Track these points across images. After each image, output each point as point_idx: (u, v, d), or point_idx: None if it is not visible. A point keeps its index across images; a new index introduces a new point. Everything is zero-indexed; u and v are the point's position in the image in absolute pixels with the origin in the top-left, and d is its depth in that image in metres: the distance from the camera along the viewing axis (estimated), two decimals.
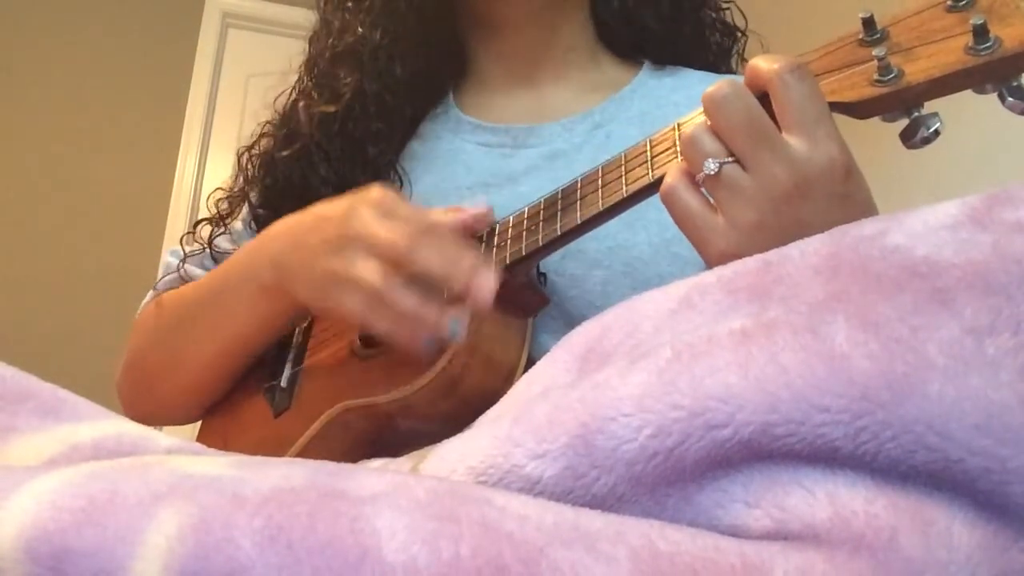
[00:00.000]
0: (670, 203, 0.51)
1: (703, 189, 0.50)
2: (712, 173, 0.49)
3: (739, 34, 0.91)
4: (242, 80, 3.26)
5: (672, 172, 0.52)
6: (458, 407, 0.61)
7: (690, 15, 0.89)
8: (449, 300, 0.58)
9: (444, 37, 0.87)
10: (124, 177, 3.13)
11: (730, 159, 0.49)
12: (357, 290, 0.60)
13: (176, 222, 3.11)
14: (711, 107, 0.50)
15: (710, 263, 0.51)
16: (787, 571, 0.30)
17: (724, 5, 0.91)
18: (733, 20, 0.92)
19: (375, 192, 0.63)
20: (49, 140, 3.11)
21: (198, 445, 0.46)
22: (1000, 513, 0.30)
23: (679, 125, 0.55)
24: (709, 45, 0.90)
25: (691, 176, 0.51)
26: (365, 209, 0.62)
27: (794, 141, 0.48)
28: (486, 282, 0.57)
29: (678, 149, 0.53)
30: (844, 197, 0.48)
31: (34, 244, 3.03)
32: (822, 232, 0.43)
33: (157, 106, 3.22)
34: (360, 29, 0.83)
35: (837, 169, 0.48)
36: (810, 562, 0.30)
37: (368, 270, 0.59)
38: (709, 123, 0.50)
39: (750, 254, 0.45)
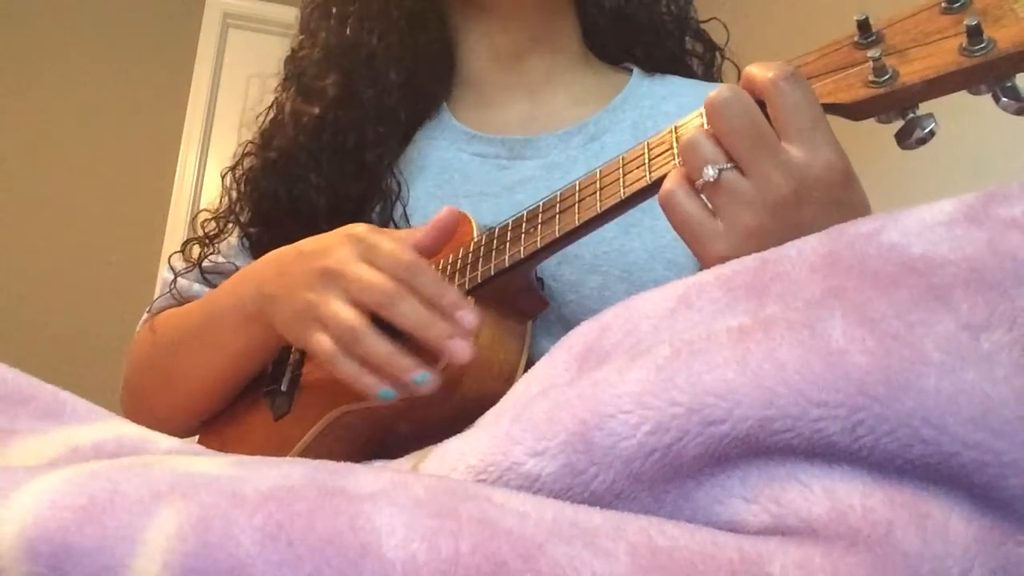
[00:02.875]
0: (669, 208, 0.51)
1: (702, 195, 0.50)
2: (711, 180, 0.49)
3: (717, 52, 0.91)
4: (242, 80, 3.25)
5: (671, 177, 0.52)
6: (457, 409, 0.61)
7: (676, 19, 0.89)
8: (422, 348, 0.59)
9: (432, 38, 0.87)
10: (124, 177, 3.13)
11: (729, 165, 0.49)
12: (328, 329, 0.60)
13: (176, 222, 3.11)
14: (712, 111, 0.50)
15: (708, 268, 0.51)
16: (785, 565, 0.30)
17: (703, 20, 0.92)
18: (710, 36, 0.92)
19: (360, 229, 0.64)
20: (49, 140, 3.11)
21: (198, 446, 0.46)
22: (996, 507, 0.31)
23: (676, 128, 0.55)
24: (696, 53, 0.91)
25: (690, 181, 0.51)
26: (349, 247, 0.62)
27: (792, 147, 0.48)
28: (462, 344, 0.57)
29: (675, 151, 0.53)
30: (842, 203, 0.48)
31: (34, 244, 3.03)
32: None
33: (157, 106, 3.22)
34: (352, 35, 0.83)
35: (835, 175, 0.48)
36: (808, 556, 0.30)
37: (343, 312, 0.59)
38: (708, 128, 0.50)
39: None
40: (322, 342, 0.60)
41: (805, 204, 0.48)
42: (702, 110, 0.52)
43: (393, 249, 0.61)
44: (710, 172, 0.49)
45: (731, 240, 0.49)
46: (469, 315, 0.58)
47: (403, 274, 0.60)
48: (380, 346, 0.58)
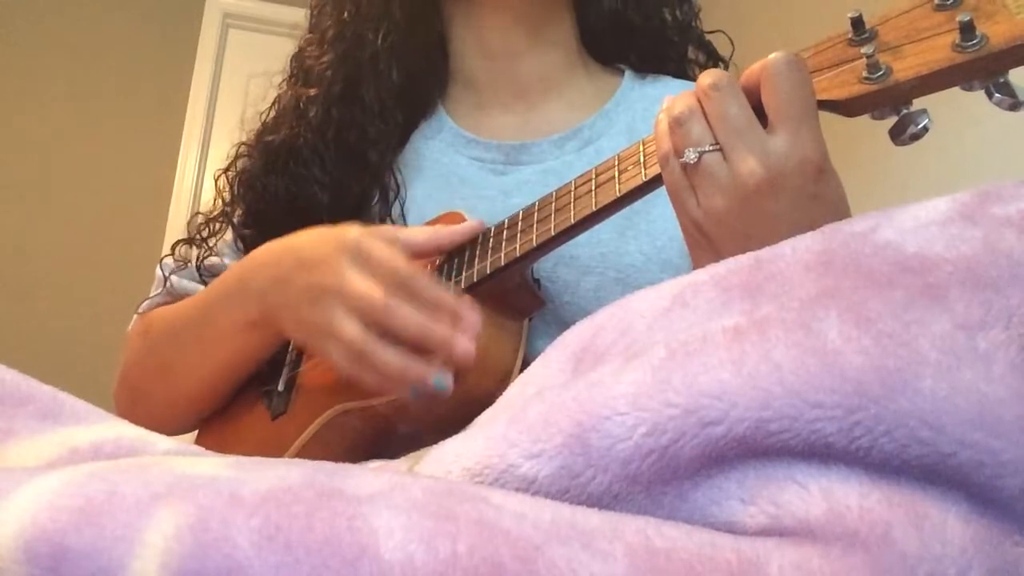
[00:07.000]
0: (664, 169, 0.54)
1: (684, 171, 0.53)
2: (692, 162, 0.51)
3: (720, 63, 0.90)
4: (242, 80, 3.25)
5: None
6: (454, 409, 0.61)
7: (680, 26, 0.89)
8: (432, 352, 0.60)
9: (430, 35, 0.87)
10: (125, 177, 3.13)
11: (711, 147, 0.51)
12: (339, 344, 0.61)
13: (176, 222, 3.11)
14: (702, 92, 0.51)
15: (685, 231, 0.54)
16: (782, 566, 0.30)
17: (709, 32, 0.91)
18: (715, 48, 0.91)
19: (353, 234, 0.64)
20: (50, 140, 3.12)
21: (196, 447, 0.46)
22: (994, 506, 0.30)
23: None
24: (698, 63, 0.90)
25: (678, 153, 0.53)
26: (343, 258, 0.63)
27: (776, 135, 0.49)
28: (463, 342, 0.59)
29: None
30: (814, 197, 0.50)
31: (35, 244, 3.03)
32: (789, 228, 0.44)
33: (158, 106, 3.23)
34: (356, 34, 0.83)
35: (809, 168, 0.49)
36: (805, 557, 0.30)
37: (348, 327, 0.61)
38: (700, 107, 0.51)
39: (717, 236, 0.50)
40: (337, 357, 0.62)
41: (776, 193, 0.49)
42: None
43: (387, 257, 0.62)
44: (691, 155, 0.51)
45: (703, 217, 0.52)
46: (470, 314, 0.60)
47: (398, 281, 0.61)
48: (391, 356, 0.60)
